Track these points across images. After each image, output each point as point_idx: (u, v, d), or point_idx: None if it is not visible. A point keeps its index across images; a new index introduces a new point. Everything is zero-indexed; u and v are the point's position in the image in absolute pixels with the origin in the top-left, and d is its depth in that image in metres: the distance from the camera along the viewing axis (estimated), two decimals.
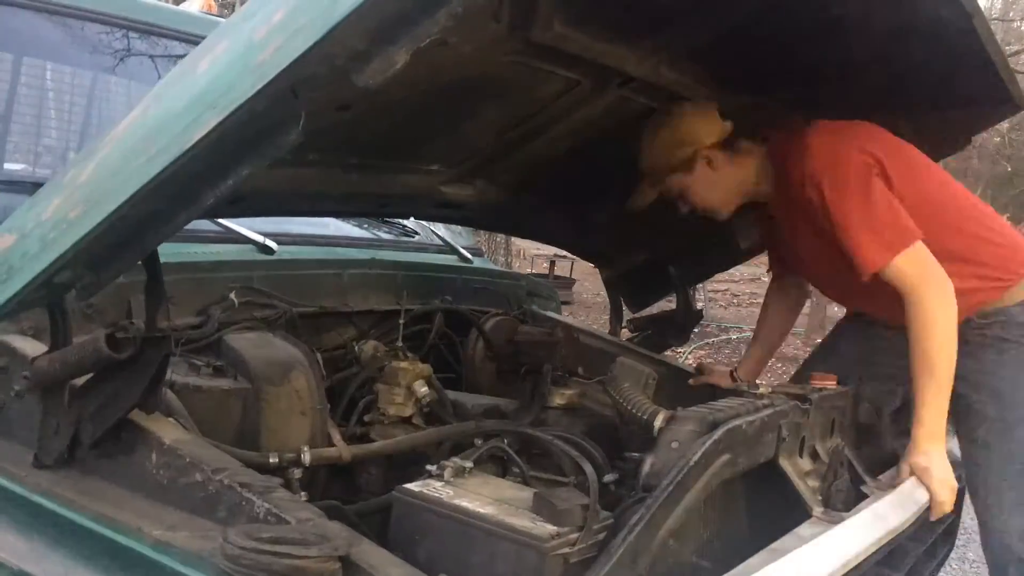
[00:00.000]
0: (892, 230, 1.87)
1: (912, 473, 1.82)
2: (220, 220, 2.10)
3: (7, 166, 2.13)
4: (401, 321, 2.14)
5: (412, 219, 2.85)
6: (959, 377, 1.98)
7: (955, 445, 2.17)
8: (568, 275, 11.84)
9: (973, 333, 2.04)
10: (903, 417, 2.07)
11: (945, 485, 1.81)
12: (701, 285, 9.94)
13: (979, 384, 2.06)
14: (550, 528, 1.18)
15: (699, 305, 5.15)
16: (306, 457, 1.60)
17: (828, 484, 1.66)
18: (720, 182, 2.11)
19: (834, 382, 1.87)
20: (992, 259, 2.04)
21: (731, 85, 2.14)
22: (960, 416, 2.13)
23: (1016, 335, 2.04)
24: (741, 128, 2.25)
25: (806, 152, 1.96)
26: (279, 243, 2.20)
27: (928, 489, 1.80)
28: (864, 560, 1.50)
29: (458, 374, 2.43)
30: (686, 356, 8.58)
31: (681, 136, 2.07)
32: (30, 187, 1.77)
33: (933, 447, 1.83)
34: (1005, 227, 2.16)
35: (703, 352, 9.39)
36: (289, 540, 1.01)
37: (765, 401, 1.63)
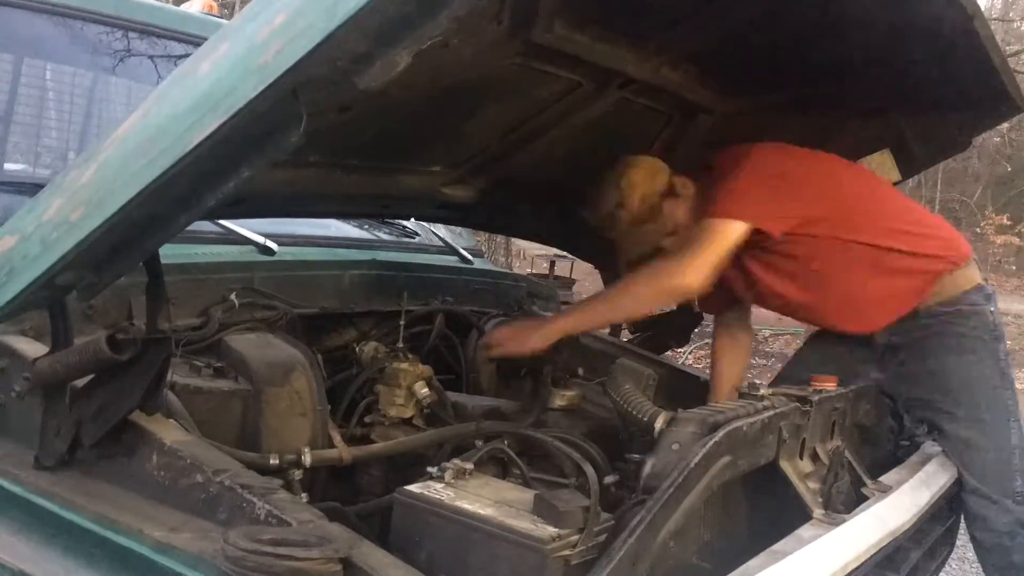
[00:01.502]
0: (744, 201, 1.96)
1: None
2: (221, 221, 2.10)
3: (7, 166, 2.13)
4: (402, 322, 2.14)
5: (413, 220, 2.85)
6: (924, 381, 2.09)
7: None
8: (568, 275, 11.82)
9: (928, 333, 2.07)
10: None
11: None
12: None
13: (947, 388, 2.09)
14: (551, 530, 1.18)
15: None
16: (307, 458, 1.60)
17: (828, 486, 1.66)
18: (656, 228, 2.14)
19: (834, 384, 1.87)
20: (928, 249, 2.07)
21: (732, 86, 2.14)
22: (936, 419, 2.16)
23: (970, 330, 2.06)
24: (742, 129, 2.25)
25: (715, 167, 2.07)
26: (280, 244, 2.19)
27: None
28: (864, 562, 1.50)
29: (458, 375, 2.43)
30: (686, 357, 8.57)
31: (649, 166, 2.14)
32: (30, 188, 1.78)
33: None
34: (937, 222, 2.22)
35: (703, 353, 9.39)
36: (290, 542, 1.01)
37: (766, 403, 1.63)
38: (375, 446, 1.80)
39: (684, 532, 1.37)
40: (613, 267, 2.90)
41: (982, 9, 1.73)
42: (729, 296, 2.31)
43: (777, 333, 10.42)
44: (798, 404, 1.68)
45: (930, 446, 2.21)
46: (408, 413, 1.92)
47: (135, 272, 1.28)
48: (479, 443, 1.80)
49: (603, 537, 1.23)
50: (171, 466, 1.25)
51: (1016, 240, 18.79)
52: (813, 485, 1.65)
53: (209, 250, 2.03)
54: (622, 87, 2.00)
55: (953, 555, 2.56)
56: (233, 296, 1.90)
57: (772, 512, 1.59)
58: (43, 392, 1.34)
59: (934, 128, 2.25)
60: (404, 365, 1.95)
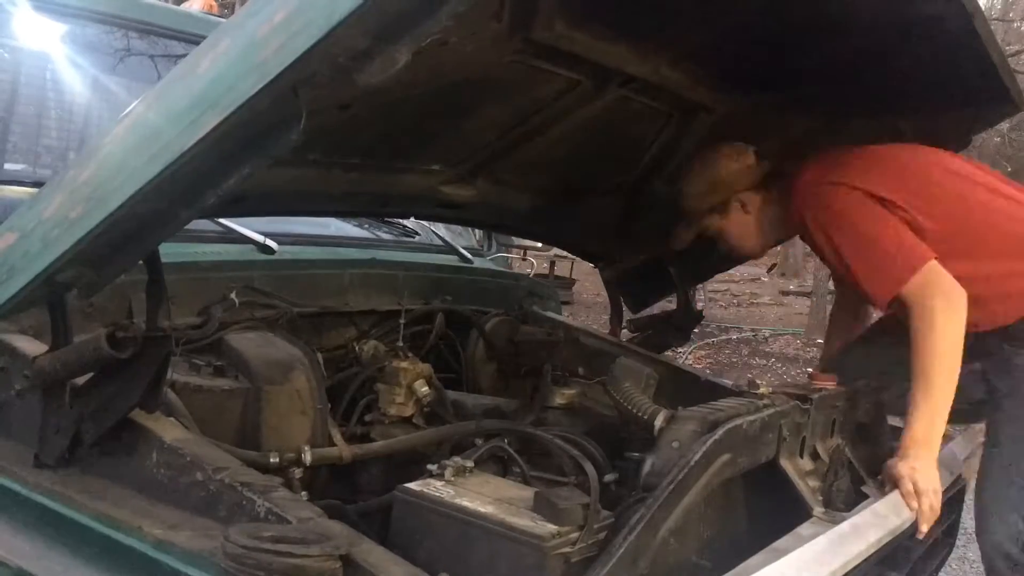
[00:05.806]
0: (897, 262, 1.83)
1: (890, 479, 1.74)
2: (221, 220, 2.10)
3: (7, 166, 2.13)
4: (402, 321, 2.14)
5: (413, 219, 2.85)
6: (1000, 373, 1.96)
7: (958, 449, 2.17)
8: (568, 275, 11.84)
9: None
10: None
11: (926, 496, 1.71)
12: (701, 285, 9.97)
13: (1015, 390, 2.00)
14: (551, 527, 1.18)
15: (699, 305, 5.15)
16: (307, 457, 1.60)
17: (829, 484, 1.66)
18: (754, 224, 2.16)
19: (834, 382, 1.87)
20: None
21: (732, 85, 2.14)
22: (988, 413, 2.08)
23: None
24: (742, 129, 2.25)
25: (796, 198, 2.01)
26: (280, 243, 2.19)
27: (902, 497, 1.71)
28: (865, 560, 1.50)
29: (458, 374, 2.43)
30: (686, 356, 8.58)
31: (716, 179, 2.13)
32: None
33: (920, 454, 1.74)
34: None
35: (703, 352, 9.40)
36: (290, 539, 1.01)
37: (766, 401, 1.63)
38: (375, 444, 1.80)
39: (684, 530, 1.37)
40: (612, 266, 2.92)
41: (982, 9, 1.73)
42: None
43: (777, 333, 10.43)
44: (798, 402, 1.68)
45: None
46: (408, 412, 1.92)
47: (135, 270, 1.28)
48: (479, 441, 1.80)
49: (603, 535, 1.24)
50: (171, 464, 1.25)
51: None
52: (813, 483, 1.65)
53: (209, 249, 2.03)
54: (622, 85, 2.00)
55: (953, 555, 2.56)
56: (233, 295, 1.90)
57: (772, 510, 1.59)
58: (43, 390, 1.34)
59: (934, 126, 2.25)
60: (404, 364, 1.95)
